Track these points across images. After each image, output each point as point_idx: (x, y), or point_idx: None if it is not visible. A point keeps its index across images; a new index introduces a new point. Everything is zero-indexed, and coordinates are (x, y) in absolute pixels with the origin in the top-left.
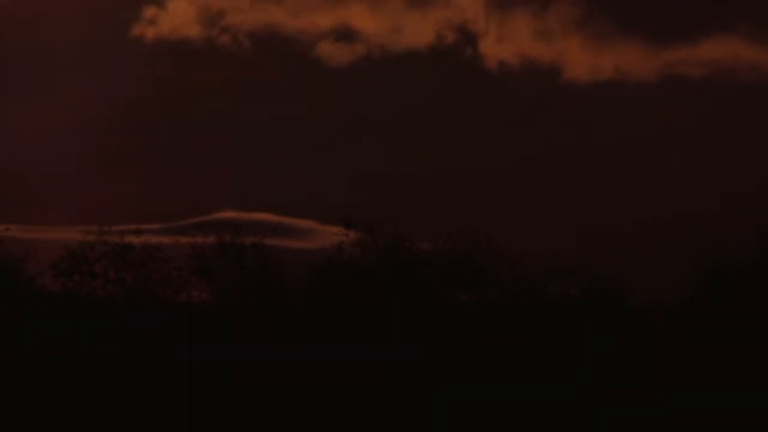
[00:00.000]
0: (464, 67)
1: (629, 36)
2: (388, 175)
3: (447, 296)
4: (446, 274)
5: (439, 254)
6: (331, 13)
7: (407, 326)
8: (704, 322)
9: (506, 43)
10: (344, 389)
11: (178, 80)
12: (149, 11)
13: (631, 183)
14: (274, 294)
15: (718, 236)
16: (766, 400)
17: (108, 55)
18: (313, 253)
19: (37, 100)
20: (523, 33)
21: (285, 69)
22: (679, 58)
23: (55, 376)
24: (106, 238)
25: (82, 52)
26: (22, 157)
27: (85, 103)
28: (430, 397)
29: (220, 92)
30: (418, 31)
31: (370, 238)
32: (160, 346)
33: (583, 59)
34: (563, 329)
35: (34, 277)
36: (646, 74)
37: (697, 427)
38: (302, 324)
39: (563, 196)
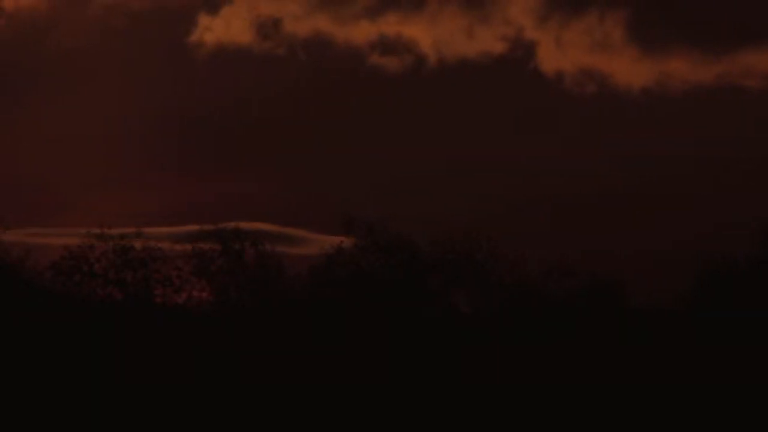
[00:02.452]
0: (517, 77)
1: (686, 45)
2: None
3: (447, 297)
4: (446, 274)
5: (440, 255)
6: (386, 23)
7: (407, 326)
8: (704, 323)
9: (560, 53)
10: (343, 389)
11: (223, 88)
12: (204, 19)
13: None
14: (273, 294)
15: (718, 236)
16: (766, 399)
17: (150, 63)
18: (314, 259)
19: (67, 106)
20: (578, 42)
21: (334, 78)
22: (737, 69)
23: (55, 376)
24: (105, 240)
25: (123, 59)
26: (48, 161)
27: (115, 109)
28: (430, 396)
29: (256, 101)
30: (473, 41)
31: (370, 238)
32: (159, 346)
33: (638, 69)
34: (563, 330)
35: (35, 277)
36: (704, 83)
37: (698, 426)
38: (302, 324)
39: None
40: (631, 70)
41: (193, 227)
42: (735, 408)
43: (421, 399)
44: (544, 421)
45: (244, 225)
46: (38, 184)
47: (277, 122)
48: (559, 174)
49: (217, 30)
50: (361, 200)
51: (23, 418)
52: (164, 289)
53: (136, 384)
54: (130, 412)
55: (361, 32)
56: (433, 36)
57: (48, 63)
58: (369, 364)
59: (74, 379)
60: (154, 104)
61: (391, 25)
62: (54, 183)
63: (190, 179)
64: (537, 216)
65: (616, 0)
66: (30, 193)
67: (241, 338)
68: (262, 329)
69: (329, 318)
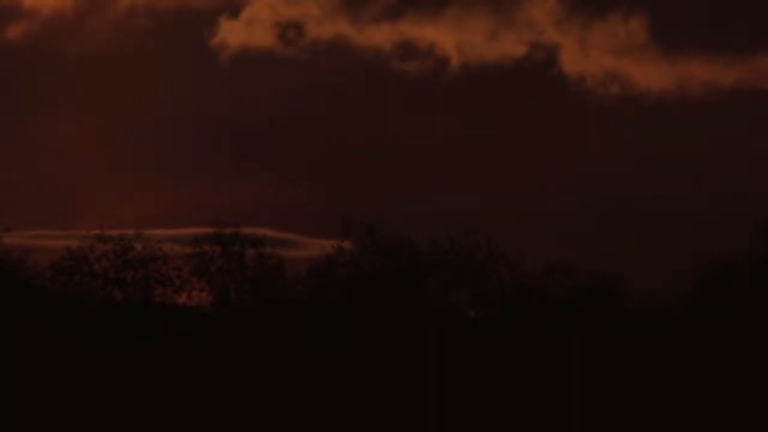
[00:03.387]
0: (539, 80)
1: (706, 48)
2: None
3: (447, 297)
4: (446, 274)
5: (439, 255)
6: (407, 25)
7: (407, 327)
8: (704, 322)
9: (581, 56)
10: (344, 389)
11: (239, 91)
12: (226, 24)
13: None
14: (273, 294)
15: (718, 236)
16: (765, 400)
17: (170, 65)
18: (313, 261)
19: (82, 108)
20: (600, 45)
21: (353, 81)
22: (757, 72)
23: (55, 376)
24: (105, 242)
25: (141, 61)
26: (50, 163)
27: (121, 111)
28: (430, 395)
29: (266, 103)
30: (494, 44)
31: (370, 239)
32: (159, 346)
33: (658, 72)
34: (563, 329)
35: (35, 277)
36: (723, 86)
37: (697, 426)
38: (302, 324)
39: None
40: (651, 73)
41: (192, 230)
42: (735, 408)
43: (422, 399)
44: (544, 421)
45: (244, 230)
46: (40, 185)
47: (286, 125)
48: (568, 174)
49: (238, 33)
50: (361, 200)
51: (23, 418)
52: (164, 289)
53: (137, 384)
54: (131, 412)
55: (381, 35)
56: (455, 39)
57: (65, 63)
58: (369, 364)
59: (74, 379)
60: (160, 106)
61: (412, 28)
62: (56, 185)
63: (189, 181)
64: (537, 216)
65: (637, 3)
66: (32, 195)
67: (241, 338)
68: (262, 329)
69: (329, 318)
